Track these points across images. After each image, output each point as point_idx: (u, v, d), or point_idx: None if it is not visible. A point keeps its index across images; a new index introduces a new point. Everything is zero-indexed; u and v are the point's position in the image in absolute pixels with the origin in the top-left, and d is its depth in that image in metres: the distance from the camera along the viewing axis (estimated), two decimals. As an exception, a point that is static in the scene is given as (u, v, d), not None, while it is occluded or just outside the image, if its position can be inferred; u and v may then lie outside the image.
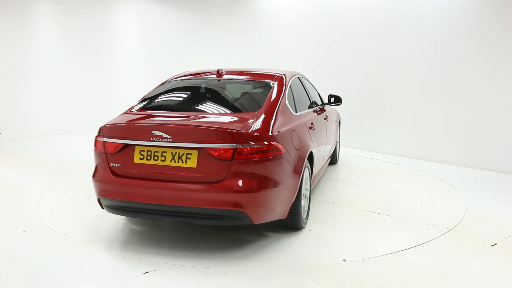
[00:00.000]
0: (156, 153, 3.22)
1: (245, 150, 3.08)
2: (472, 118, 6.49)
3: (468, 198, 4.90)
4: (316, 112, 4.83)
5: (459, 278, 3.02)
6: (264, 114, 3.45)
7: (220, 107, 3.73)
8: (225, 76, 4.21)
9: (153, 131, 3.18)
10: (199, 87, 4.24)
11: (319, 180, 5.40)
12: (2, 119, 8.43)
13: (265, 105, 3.58)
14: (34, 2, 8.72)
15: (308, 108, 4.60)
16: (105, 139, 3.39)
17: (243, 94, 4.02)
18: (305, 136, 3.87)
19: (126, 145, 3.30)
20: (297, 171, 3.53)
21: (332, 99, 5.35)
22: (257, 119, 3.35)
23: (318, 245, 3.55)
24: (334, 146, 6.00)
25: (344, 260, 3.25)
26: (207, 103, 3.90)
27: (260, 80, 4.11)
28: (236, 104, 3.89)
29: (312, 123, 4.27)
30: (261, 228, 3.83)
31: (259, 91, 3.92)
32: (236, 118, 3.38)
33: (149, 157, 3.24)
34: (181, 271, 3.09)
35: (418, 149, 7.05)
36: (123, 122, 3.44)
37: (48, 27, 9.02)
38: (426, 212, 4.41)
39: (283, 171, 3.32)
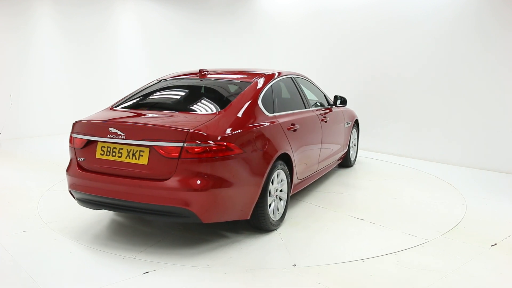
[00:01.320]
0: (114, 150, 3.36)
1: (192, 149, 3.11)
2: (472, 118, 6.49)
3: (468, 198, 4.90)
4: (313, 113, 4.79)
5: (459, 278, 3.02)
6: (223, 114, 3.48)
7: (187, 107, 3.82)
8: (208, 76, 4.28)
9: (110, 128, 3.34)
10: (176, 87, 4.28)
11: (321, 183, 5.36)
12: (2, 119, 8.43)
13: (228, 106, 3.61)
14: (34, 2, 8.72)
15: (301, 109, 4.59)
16: (74, 135, 3.60)
17: (216, 94, 4.05)
18: (277, 137, 3.81)
19: (90, 141, 3.47)
20: (259, 172, 3.50)
21: (338, 101, 5.42)
22: (212, 119, 3.37)
23: (277, 248, 3.48)
24: (344, 148, 5.85)
25: (294, 265, 3.16)
26: (177, 102, 4.01)
27: (236, 81, 4.13)
28: (203, 104, 3.90)
29: (292, 124, 4.14)
30: (232, 228, 3.85)
31: (232, 92, 3.94)
32: (194, 118, 3.43)
33: (108, 153, 3.38)
34: (181, 271, 3.09)
35: (418, 149, 7.05)
36: (90, 119, 3.61)
37: (48, 27, 9.02)
38: (426, 212, 4.41)
39: (238, 172, 3.32)
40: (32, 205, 4.49)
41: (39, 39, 8.88)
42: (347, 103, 5.88)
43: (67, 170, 3.66)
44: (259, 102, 3.84)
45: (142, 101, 4.04)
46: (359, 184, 5.45)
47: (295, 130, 4.17)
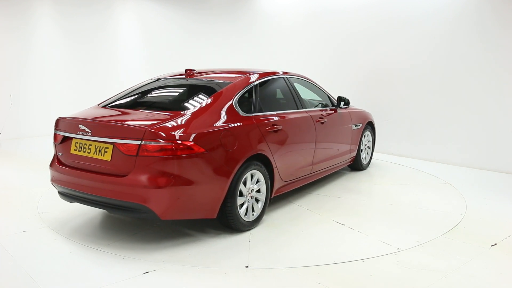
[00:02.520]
0: (84, 146, 3.52)
1: (149, 147, 3.18)
2: (472, 118, 6.49)
3: (468, 198, 4.90)
4: (306, 114, 4.68)
5: (459, 278, 3.02)
6: (189, 113, 3.53)
7: (161, 106, 3.99)
8: (193, 77, 4.36)
9: (79, 125, 3.52)
10: (159, 87, 4.37)
11: (322, 185, 5.30)
12: (2, 119, 8.43)
13: (198, 106, 3.67)
14: (34, 2, 8.72)
15: (292, 109, 4.55)
16: (55, 131, 3.82)
17: (191, 94, 4.07)
18: (250, 137, 3.80)
19: (66, 137, 3.67)
20: (225, 172, 3.51)
21: (342, 103, 5.36)
22: (177, 118, 3.44)
23: (239, 248, 3.46)
24: (353, 150, 5.70)
25: (247, 267, 3.14)
26: (154, 102, 4.13)
27: (216, 81, 4.16)
28: (175, 103, 4.03)
29: (274, 125, 4.11)
30: (206, 226, 3.92)
31: (207, 92, 3.95)
32: (160, 117, 3.50)
33: (80, 149, 3.55)
34: (181, 271, 3.09)
35: (418, 149, 7.05)
36: (68, 115, 3.78)
37: (48, 27, 9.02)
38: (426, 212, 4.41)
39: (200, 171, 3.35)
40: (32, 205, 4.49)
41: (39, 39, 8.88)
42: (357, 104, 5.85)
43: (50, 164, 3.86)
44: (234, 102, 3.86)
45: (125, 100, 4.15)
46: (361, 188, 5.28)
47: (276, 131, 4.12)
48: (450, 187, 5.36)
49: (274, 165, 4.06)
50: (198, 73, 4.51)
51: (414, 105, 7.14)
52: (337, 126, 5.28)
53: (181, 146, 3.24)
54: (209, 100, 3.75)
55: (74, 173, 3.55)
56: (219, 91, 3.89)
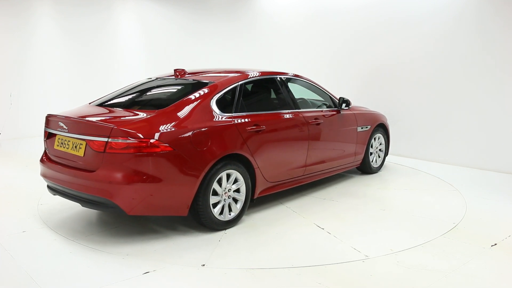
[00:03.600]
0: (64, 141, 3.71)
1: (116, 144, 3.31)
2: (472, 118, 6.49)
3: (468, 198, 4.90)
4: (299, 115, 4.60)
5: (459, 278, 3.02)
6: (160, 113, 3.61)
7: (140, 105, 4.10)
8: (181, 77, 4.42)
9: (59, 122, 3.73)
10: (146, 87, 4.44)
11: (322, 188, 5.20)
12: (2, 119, 8.43)
13: (171, 105, 3.72)
14: (34, 2, 8.72)
15: (283, 110, 4.51)
16: (44, 127, 4.03)
17: (173, 93, 4.16)
18: (227, 137, 3.81)
19: (51, 133, 3.89)
20: (195, 171, 3.53)
21: (344, 104, 5.24)
22: (147, 117, 3.55)
23: (204, 247, 3.49)
24: (358, 153, 5.53)
25: (203, 265, 3.17)
26: (135, 101, 4.19)
27: (201, 81, 4.18)
28: (153, 103, 4.12)
29: (256, 125, 4.08)
30: (183, 223, 3.99)
31: (187, 92, 4.01)
32: (132, 115, 3.66)
33: (61, 145, 3.74)
34: (181, 271, 3.09)
35: (418, 149, 7.05)
36: (54, 113, 3.93)
37: (48, 27, 9.02)
38: (426, 212, 4.41)
39: (167, 169, 3.40)
40: (32, 205, 4.49)
41: (39, 39, 8.88)
42: (357, 104, 5.81)
43: (40, 159, 4.05)
44: (212, 102, 3.89)
45: (112, 99, 4.25)
46: (361, 191, 5.11)
47: (258, 131, 4.10)
48: (450, 187, 5.36)
49: (255, 166, 4.05)
50: (189, 73, 4.55)
51: (414, 105, 7.13)
52: (337, 127, 5.16)
53: (145, 144, 3.32)
54: (185, 100, 3.80)
55: (56, 167, 3.73)
56: (197, 91, 3.93)
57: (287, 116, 4.53)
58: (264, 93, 4.69)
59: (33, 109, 8.88)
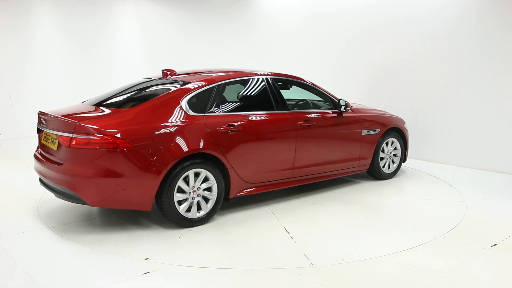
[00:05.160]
0: (48, 137, 3.95)
1: (79, 139, 3.54)
2: (472, 118, 6.49)
3: (468, 198, 4.90)
4: (285, 116, 4.52)
5: (459, 278, 3.02)
6: (126, 111, 3.80)
7: (118, 104, 4.17)
8: (167, 78, 4.50)
9: (41, 118, 4.02)
10: (134, 87, 4.53)
11: (318, 191, 5.06)
12: (2, 119, 8.43)
13: (139, 104, 3.89)
14: (34, 2, 8.72)
15: (266, 111, 4.45)
16: (37, 124, 4.22)
17: (150, 93, 4.24)
18: (195, 136, 3.85)
19: (39, 129, 4.15)
20: (156, 167, 3.63)
21: (342, 107, 5.03)
22: (114, 114, 3.78)
23: (157, 242, 3.59)
24: (364, 157, 5.27)
25: (146, 259, 3.25)
26: (117, 100, 4.26)
27: (182, 81, 4.25)
28: (128, 101, 4.19)
29: (229, 125, 4.07)
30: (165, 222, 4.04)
31: (161, 92, 4.12)
32: (102, 113, 3.89)
33: (45, 140, 4.00)
34: (181, 271, 3.09)
35: (418, 149, 7.05)
36: (42, 111, 4.16)
37: (48, 27, 9.02)
38: (426, 212, 4.41)
39: (127, 164, 3.55)
40: (32, 205, 4.49)
41: (39, 39, 8.88)
42: (368, 105, 5.67)
43: (34, 154, 4.25)
44: (182, 102, 3.96)
45: (100, 98, 4.35)
46: (357, 198, 4.86)
47: (234, 131, 4.09)
48: (450, 188, 5.36)
49: (228, 166, 4.07)
50: (178, 74, 4.60)
51: (413, 105, 7.13)
52: (334, 130, 4.98)
53: (104, 140, 3.49)
54: (155, 99, 3.93)
55: (41, 161, 3.96)
56: (170, 91, 4.04)
57: (268, 117, 4.44)
58: (245, 93, 4.60)
59: (33, 109, 8.84)
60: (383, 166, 5.60)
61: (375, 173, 5.58)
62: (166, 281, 2.96)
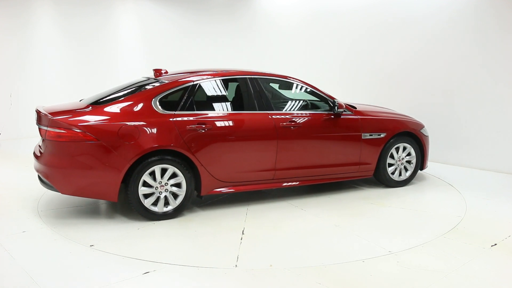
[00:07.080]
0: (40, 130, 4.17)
1: (51, 133, 3.88)
2: (472, 118, 6.49)
3: (468, 198, 4.90)
4: (267, 116, 4.45)
5: (459, 278, 3.02)
6: (97, 107, 4.06)
7: (100, 101, 4.26)
8: (157, 77, 4.61)
9: (36, 115, 4.20)
10: (125, 85, 4.65)
11: (308, 196, 4.89)
12: (2, 119, 8.43)
13: (110, 101, 4.12)
14: (34, 2, 8.71)
15: (246, 111, 4.43)
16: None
17: (129, 91, 4.36)
18: (161, 133, 4.00)
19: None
20: (119, 162, 3.87)
21: (336, 107, 4.80)
22: (85, 110, 4.04)
23: (114, 234, 3.75)
24: (366, 162, 5.00)
25: (91, 245, 3.46)
26: (103, 98, 4.35)
27: (162, 80, 4.38)
28: (107, 99, 4.27)
29: (200, 124, 4.12)
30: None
31: (138, 90, 4.33)
32: (83, 110, 4.06)
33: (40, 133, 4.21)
34: (181, 271, 3.09)
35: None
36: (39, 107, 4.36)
37: (48, 27, 9.02)
38: (426, 212, 4.42)
39: (92, 157, 3.83)
40: (32, 205, 4.49)
41: (39, 39, 8.87)
42: (378, 107, 5.56)
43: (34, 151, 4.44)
44: (154, 100, 4.13)
45: (94, 96, 4.47)
46: (350, 205, 4.61)
47: (203, 130, 4.14)
48: (450, 188, 5.36)
49: (197, 164, 4.16)
50: (169, 74, 4.69)
51: (413, 105, 7.13)
52: (324, 132, 4.75)
53: (73, 134, 3.81)
54: (127, 97, 4.16)
55: (35, 154, 4.23)
56: (146, 90, 4.24)
57: (244, 117, 4.41)
58: (222, 93, 4.57)
59: (33, 109, 8.86)
60: (393, 173, 5.24)
61: (382, 180, 5.23)
62: (166, 281, 2.96)
